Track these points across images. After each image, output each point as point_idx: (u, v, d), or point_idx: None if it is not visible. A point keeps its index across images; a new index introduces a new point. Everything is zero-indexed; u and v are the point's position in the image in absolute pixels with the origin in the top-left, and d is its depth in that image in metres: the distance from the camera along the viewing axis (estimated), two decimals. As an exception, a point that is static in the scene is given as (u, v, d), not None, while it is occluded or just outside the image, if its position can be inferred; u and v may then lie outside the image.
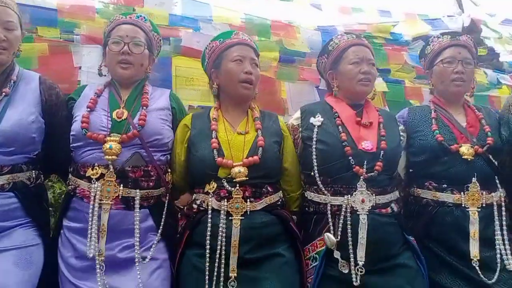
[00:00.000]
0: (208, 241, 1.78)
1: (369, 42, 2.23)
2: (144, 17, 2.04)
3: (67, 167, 1.88)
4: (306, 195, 2.02)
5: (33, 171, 1.76)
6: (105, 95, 1.91)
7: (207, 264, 1.75)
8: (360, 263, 1.80)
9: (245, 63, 1.93)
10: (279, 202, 1.92)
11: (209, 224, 1.79)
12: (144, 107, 1.87)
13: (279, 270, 1.78)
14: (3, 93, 1.68)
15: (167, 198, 1.91)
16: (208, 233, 1.78)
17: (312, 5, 3.67)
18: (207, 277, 1.73)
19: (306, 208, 2.02)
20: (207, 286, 1.72)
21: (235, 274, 1.72)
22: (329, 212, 1.90)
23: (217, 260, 1.74)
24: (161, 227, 1.86)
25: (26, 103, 1.73)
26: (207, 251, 1.77)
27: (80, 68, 2.98)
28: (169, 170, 1.95)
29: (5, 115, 1.64)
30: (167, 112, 1.96)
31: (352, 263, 1.81)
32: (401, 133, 2.13)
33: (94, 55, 3.04)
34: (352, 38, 2.12)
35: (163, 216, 1.88)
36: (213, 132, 1.90)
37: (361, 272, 1.79)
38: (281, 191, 1.97)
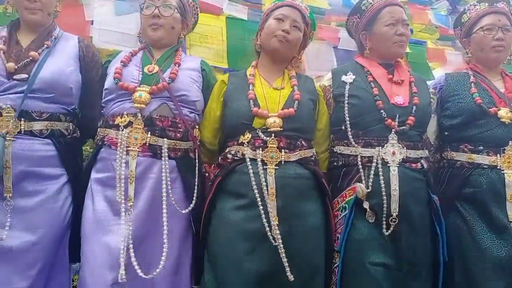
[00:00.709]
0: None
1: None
2: None
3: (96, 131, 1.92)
4: (335, 150, 2.07)
5: (70, 123, 1.84)
6: (138, 55, 1.98)
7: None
8: (394, 214, 1.85)
9: (286, 23, 1.94)
10: (313, 158, 1.93)
11: (248, 172, 1.79)
12: (177, 65, 1.90)
13: (307, 235, 1.81)
14: (45, 45, 1.79)
15: (195, 154, 1.92)
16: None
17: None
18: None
19: (335, 163, 2.04)
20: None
21: (277, 222, 1.73)
22: (359, 163, 1.92)
23: (260, 207, 1.73)
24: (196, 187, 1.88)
25: (65, 55, 1.83)
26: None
27: (92, 23, 2.90)
28: (196, 126, 1.98)
29: (45, 64, 1.73)
30: (197, 74, 1.99)
31: (385, 213, 1.85)
32: (431, 96, 2.15)
33: (106, 9, 2.95)
34: None
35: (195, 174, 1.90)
36: (250, 85, 1.94)
37: (394, 221, 1.84)
38: (314, 149, 1.98)
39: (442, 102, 2.19)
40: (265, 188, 1.75)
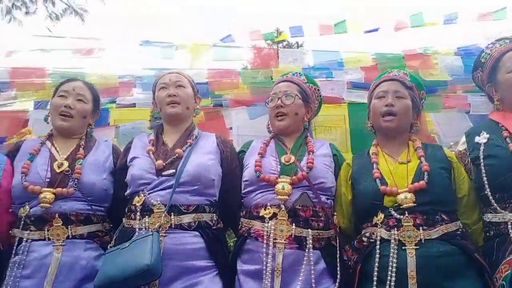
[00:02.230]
0: (376, 273, 1.71)
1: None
2: (299, 73, 2.24)
3: (237, 221, 1.98)
4: (484, 219, 1.88)
5: (214, 214, 1.91)
6: (271, 145, 2.06)
7: None
8: None
9: (388, 97, 1.96)
10: (459, 232, 1.79)
11: (377, 256, 1.73)
12: (311, 152, 1.97)
13: None
14: (188, 143, 1.96)
15: (337, 242, 1.91)
16: (376, 264, 1.72)
17: (446, 21, 3.50)
18: None
19: (487, 234, 1.84)
20: None
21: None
22: (510, 231, 1.72)
23: None
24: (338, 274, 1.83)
25: (206, 150, 1.97)
26: (374, 283, 1.70)
27: (231, 128, 3.34)
28: (334, 213, 1.97)
29: (189, 159, 1.88)
30: (330, 159, 2.02)
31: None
32: None
33: (241, 115, 3.41)
34: (505, 43, 2.00)
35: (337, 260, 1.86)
36: (374, 164, 1.92)
37: None
38: (459, 222, 1.83)
39: None
40: (403, 270, 1.65)
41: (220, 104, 3.55)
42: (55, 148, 1.89)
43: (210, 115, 3.30)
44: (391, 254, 1.70)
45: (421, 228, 1.73)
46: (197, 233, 1.79)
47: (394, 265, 1.68)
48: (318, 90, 2.28)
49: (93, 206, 1.82)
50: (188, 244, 1.76)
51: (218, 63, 3.48)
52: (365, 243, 1.85)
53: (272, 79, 3.78)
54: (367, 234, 1.85)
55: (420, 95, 2.10)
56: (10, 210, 1.75)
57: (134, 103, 3.63)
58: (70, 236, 1.73)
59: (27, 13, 8.28)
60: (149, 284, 1.62)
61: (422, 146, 1.97)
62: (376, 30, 3.69)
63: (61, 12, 8.47)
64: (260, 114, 3.42)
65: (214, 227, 1.88)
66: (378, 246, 1.76)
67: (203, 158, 1.91)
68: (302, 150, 2.00)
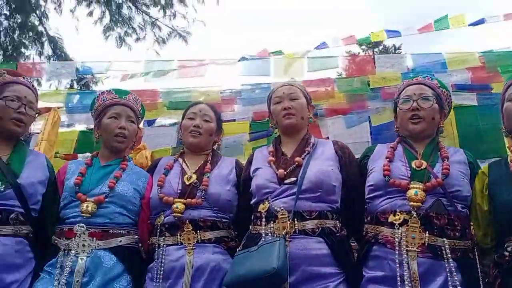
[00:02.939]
0: None
1: None
2: (430, 76, 2.16)
3: (359, 227, 1.95)
4: None
5: (337, 221, 1.87)
6: (399, 149, 1.98)
7: None
8: None
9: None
10: None
11: None
12: (445, 159, 1.87)
13: None
14: (306, 151, 1.96)
15: (475, 254, 1.77)
16: None
17: None
18: None
19: None
20: None
21: None
22: None
23: None
24: None
25: (324, 157, 1.95)
26: None
27: (327, 138, 3.35)
28: (471, 223, 1.86)
29: (309, 167, 1.88)
30: (466, 167, 1.91)
31: None
32: None
33: (338, 125, 3.41)
34: None
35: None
36: None
37: None
38: None
39: None
40: None
41: (315, 114, 3.59)
42: (186, 164, 2.09)
43: (306, 125, 3.34)
44: None
45: None
46: (321, 239, 1.78)
47: None
48: (450, 95, 2.16)
49: (219, 214, 1.96)
50: (312, 250, 1.76)
51: (312, 72, 3.53)
52: (507, 258, 1.70)
53: (369, 86, 3.72)
54: (509, 249, 1.71)
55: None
56: (149, 221, 1.97)
57: (234, 119, 3.84)
58: (200, 241, 1.88)
59: (137, 39, 9.22)
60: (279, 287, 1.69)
61: None
62: (482, 22, 3.42)
63: (167, 36, 9.27)
64: (358, 123, 3.39)
65: (338, 234, 1.85)
66: None
67: (322, 164, 1.91)
68: (434, 155, 1.90)
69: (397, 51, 13.97)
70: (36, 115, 1.94)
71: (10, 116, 1.79)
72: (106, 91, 2.07)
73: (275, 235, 1.76)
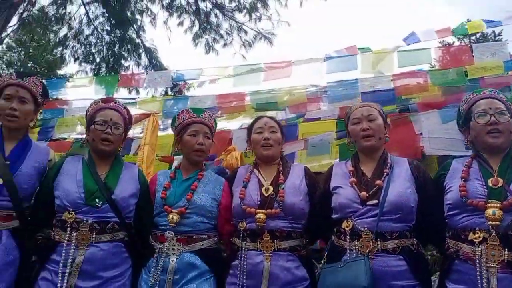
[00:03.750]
0: None
1: None
2: (496, 91, 2.07)
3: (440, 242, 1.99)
4: None
5: (414, 239, 1.96)
6: (474, 166, 1.99)
7: None
8: None
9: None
10: None
11: None
12: None
13: None
14: (385, 173, 2.05)
15: None
16: None
17: None
18: None
19: None
20: None
21: None
22: None
23: None
24: None
25: (402, 178, 2.03)
26: None
27: (421, 134, 3.19)
28: None
29: (389, 189, 1.97)
30: None
31: None
32: None
33: (433, 120, 3.21)
34: None
35: None
36: None
37: None
38: None
39: None
40: None
41: (406, 109, 3.43)
42: (261, 175, 2.28)
43: (396, 122, 3.21)
44: None
45: None
46: (400, 257, 1.90)
47: None
48: None
49: (293, 224, 2.12)
50: (393, 267, 1.88)
51: (403, 68, 3.38)
52: None
53: (466, 77, 3.45)
54: None
55: None
56: (231, 222, 2.19)
57: (319, 117, 3.82)
58: (276, 249, 2.06)
59: (225, 44, 9.58)
60: None
61: None
62: None
63: (252, 39, 9.49)
64: (454, 117, 3.16)
65: (415, 251, 1.96)
66: None
67: (401, 187, 1.99)
68: (510, 172, 1.87)
69: (497, 38, 12.73)
70: (123, 133, 2.16)
71: (99, 137, 2.04)
72: (185, 110, 2.30)
73: (359, 252, 1.90)
